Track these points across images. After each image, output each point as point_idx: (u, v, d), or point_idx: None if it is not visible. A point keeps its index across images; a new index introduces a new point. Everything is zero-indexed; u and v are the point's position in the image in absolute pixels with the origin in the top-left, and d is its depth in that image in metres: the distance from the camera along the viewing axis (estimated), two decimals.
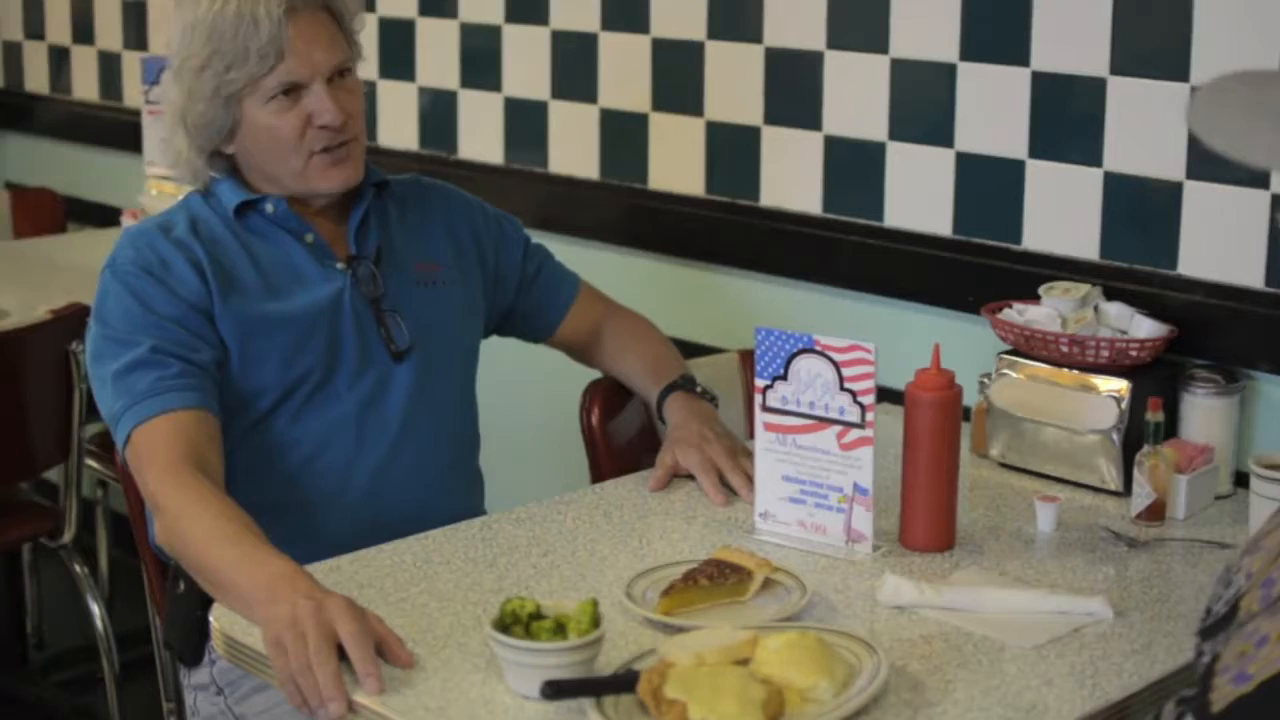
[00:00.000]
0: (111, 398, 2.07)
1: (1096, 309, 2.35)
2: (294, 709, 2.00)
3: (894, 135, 2.66)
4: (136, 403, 2.04)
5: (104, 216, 4.12)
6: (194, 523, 1.91)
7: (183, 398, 2.05)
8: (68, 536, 3.11)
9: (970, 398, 2.25)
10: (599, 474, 2.44)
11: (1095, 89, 2.40)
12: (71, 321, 2.97)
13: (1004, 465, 2.36)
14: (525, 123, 3.21)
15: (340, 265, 2.22)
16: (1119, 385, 2.25)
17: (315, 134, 2.17)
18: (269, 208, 2.21)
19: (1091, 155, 2.42)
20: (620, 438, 2.48)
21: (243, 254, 2.18)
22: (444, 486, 2.28)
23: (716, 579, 1.84)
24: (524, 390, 3.12)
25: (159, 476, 1.99)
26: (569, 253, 2.62)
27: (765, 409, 2.04)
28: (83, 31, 4.31)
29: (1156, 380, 2.25)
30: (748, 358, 2.56)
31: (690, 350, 2.70)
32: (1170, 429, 2.25)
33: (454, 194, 2.42)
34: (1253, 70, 1.47)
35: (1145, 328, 2.30)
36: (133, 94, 4.12)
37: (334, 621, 1.68)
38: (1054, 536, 2.10)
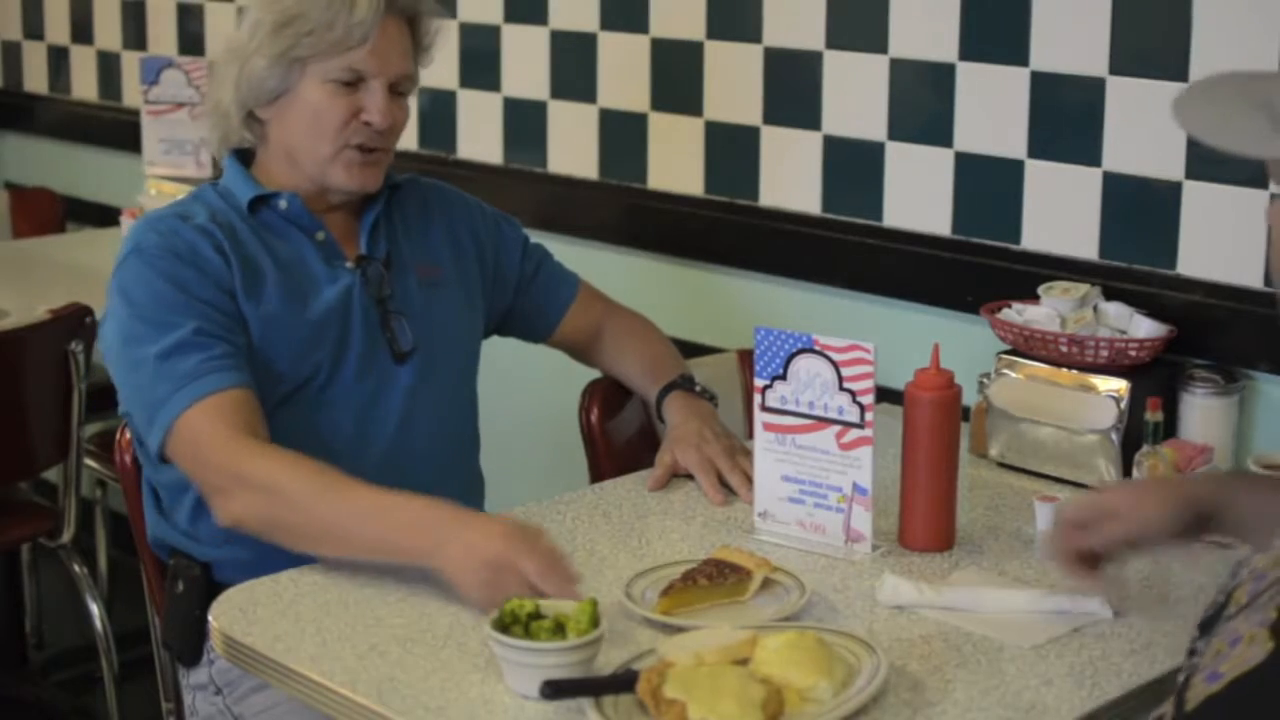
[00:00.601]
0: (151, 381, 2.04)
1: (1096, 309, 2.35)
2: (294, 709, 2.00)
3: (893, 135, 2.66)
4: (184, 385, 2.02)
5: (103, 216, 4.12)
6: (302, 487, 1.94)
7: (231, 377, 2.04)
8: (67, 536, 3.11)
9: (969, 398, 2.25)
10: (598, 474, 2.43)
11: (1094, 89, 2.40)
12: (71, 321, 2.97)
13: (1003, 465, 2.36)
14: (524, 123, 3.22)
15: (349, 264, 2.22)
16: (1118, 385, 2.25)
17: (357, 128, 2.18)
18: (282, 204, 2.21)
19: (1091, 155, 2.42)
20: (619, 437, 2.48)
21: (260, 247, 2.17)
22: (444, 487, 2.27)
23: (715, 579, 1.84)
24: (523, 390, 3.12)
25: (231, 451, 1.98)
26: (568, 253, 2.62)
27: (764, 409, 2.04)
28: (82, 31, 4.31)
29: (1156, 380, 2.25)
30: (747, 357, 2.56)
31: (689, 350, 2.70)
32: (1169, 429, 2.25)
33: (453, 194, 2.42)
34: (1241, 71, 1.50)
35: (1144, 327, 2.30)
36: (132, 94, 4.12)
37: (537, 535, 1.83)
38: None
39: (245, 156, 2.26)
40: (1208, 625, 1.41)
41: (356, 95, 2.17)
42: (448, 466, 2.29)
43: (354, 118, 2.17)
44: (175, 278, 2.09)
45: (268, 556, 1.99)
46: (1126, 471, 2.20)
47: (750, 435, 2.17)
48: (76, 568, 3.16)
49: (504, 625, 1.63)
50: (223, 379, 2.03)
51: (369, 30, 2.15)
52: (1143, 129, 2.37)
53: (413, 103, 3.28)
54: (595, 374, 2.53)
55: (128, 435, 2.25)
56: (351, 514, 1.91)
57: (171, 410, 2.02)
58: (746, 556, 1.88)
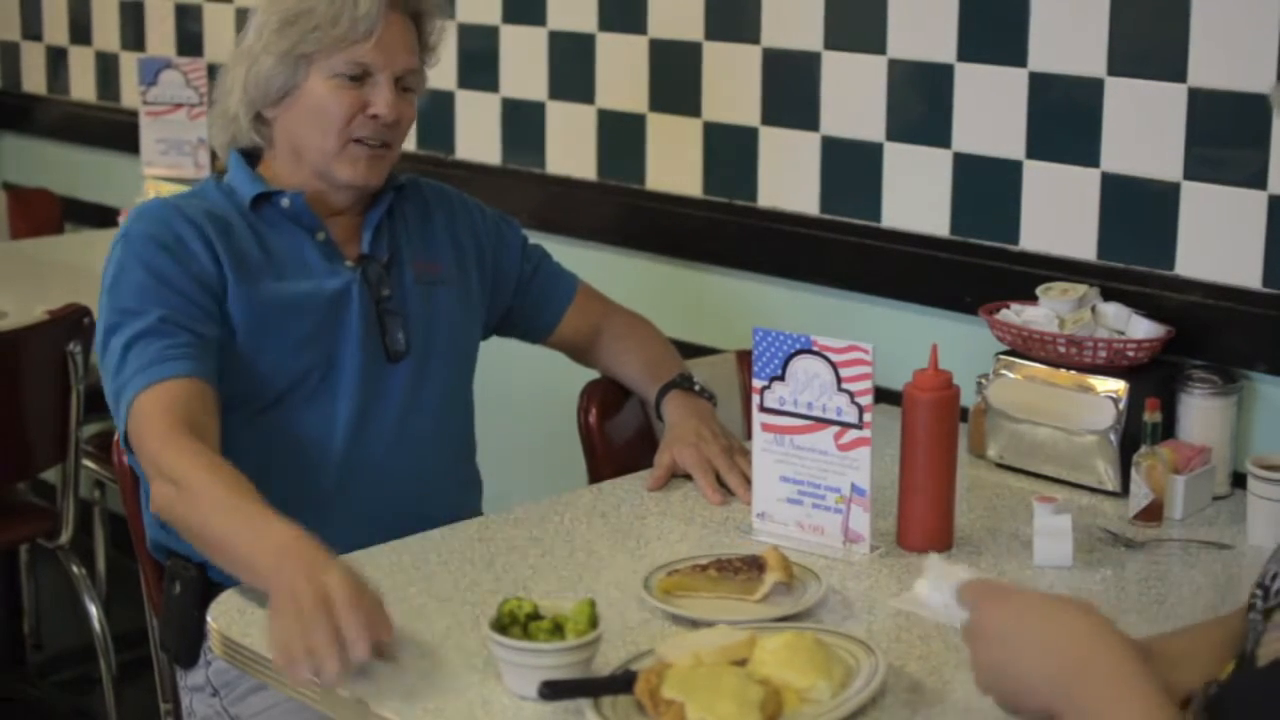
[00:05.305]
0: (117, 369, 2.06)
1: (1094, 309, 2.35)
2: (291, 709, 2.00)
3: (891, 136, 2.66)
4: (141, 370, 2.03)
5: (101, 217, 4.12)
6: (196, 490, 1.91)
7: (186, 366, 2.04)
8: (65, 537, 3.11)
9: (968, 398, 2.25)
10: (597, 474, 2.43)
11: (1092, 89, 2.40)
12: (69, 322, 2.97)
13: (1001, 466, 2.36)
14: (523, 123, 3.21)
15: (349, 263, 2.22)
16: (1116, 386, 2.25)
17: (362, 122, 2.18)
18: (285, 202, 2.21)
19: (1089, 156, 2.42)
20: (618, 438, 2.48)
21: (253, 239, 2.18)
22: (441, 488, 2.27)
23: (725, 571, 1.84)
24: (522, 390, 3.12)
25: (162, 442, 1.98)
26: (566, 253, 2.62)
27: (763, 409, 2.04)
28: (80, 32, 4.31)
29: (1154, 381, 2.25)
30: (745, 358, 2.56)
31: (688, 351, 2.70)
32: (1168, 429, 2.25)
33: (453, 195, 2.42)
34: None
35: (1143, 328, 2.30)
36: (130, 95, 4.12)
37: (328, 588, 1.66)
38: None
39: (249, 155, 2.27)
40: (1273, 613, 1.40)
41: (362, 90, 2.18)
42: (444, 467, 2.29)
43: (360, 112, 2.18)
44: (152, 266, 2.10)
45: None
46: (1125, 472, 2.20)
47: (749, 436, 2.17)
48: (75, 569, 3.16)
49: (502, 626, 1.63)
50: (176, 367, 2.03)
51: (373, 24, 2.16)
52: (1141, 130, 2.37)
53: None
54: (594, 374, 2.53)
55: None
56: (230, 528, 1.85)
57: (128, 395, 2.03)
58: (779, 559, 1.86)
